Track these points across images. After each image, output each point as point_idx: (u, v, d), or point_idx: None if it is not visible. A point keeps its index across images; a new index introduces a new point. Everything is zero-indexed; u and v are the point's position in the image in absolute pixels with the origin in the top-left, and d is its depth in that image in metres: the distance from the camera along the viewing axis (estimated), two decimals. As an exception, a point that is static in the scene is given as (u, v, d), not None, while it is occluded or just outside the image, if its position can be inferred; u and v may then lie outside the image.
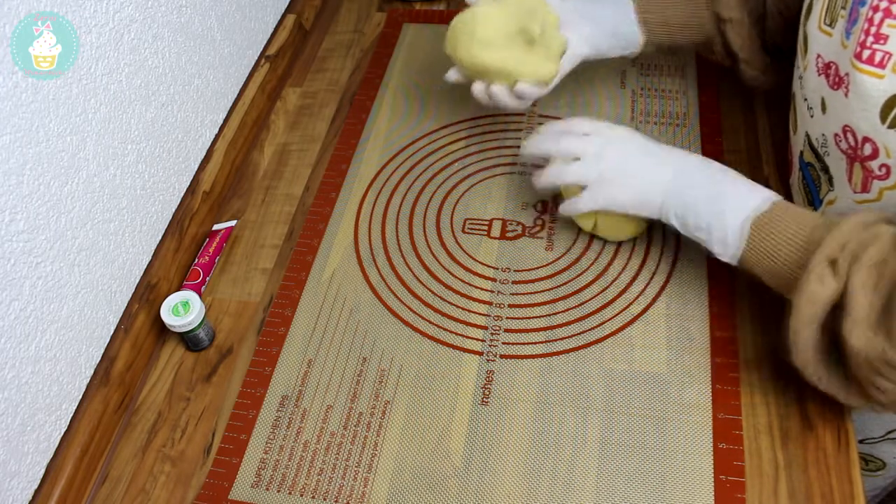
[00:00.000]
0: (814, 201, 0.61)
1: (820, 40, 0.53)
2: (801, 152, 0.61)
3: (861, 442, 0.74)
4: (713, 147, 0.76)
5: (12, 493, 0.54)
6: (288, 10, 0.94)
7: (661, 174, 0.59)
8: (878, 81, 0.47)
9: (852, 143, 0.52)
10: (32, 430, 0.56)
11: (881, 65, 0.46)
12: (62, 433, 0.59)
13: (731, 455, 0.56)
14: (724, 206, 0.55)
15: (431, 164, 0.79)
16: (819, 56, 0.53)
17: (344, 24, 0.97)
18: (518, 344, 0.64)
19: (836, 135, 0.53)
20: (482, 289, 0.68)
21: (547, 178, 0.64)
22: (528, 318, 0.66)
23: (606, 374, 0.61)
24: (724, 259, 0.56)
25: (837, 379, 0.51)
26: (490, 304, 0.67)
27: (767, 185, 0.72)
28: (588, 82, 0.84)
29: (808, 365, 0.51)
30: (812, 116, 0.56)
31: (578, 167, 0.62)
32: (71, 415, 0.60)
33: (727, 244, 0.55)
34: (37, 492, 0.57)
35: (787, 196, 0.70)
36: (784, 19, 0.65)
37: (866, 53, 0.47)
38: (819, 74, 0.54)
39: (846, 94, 0.50)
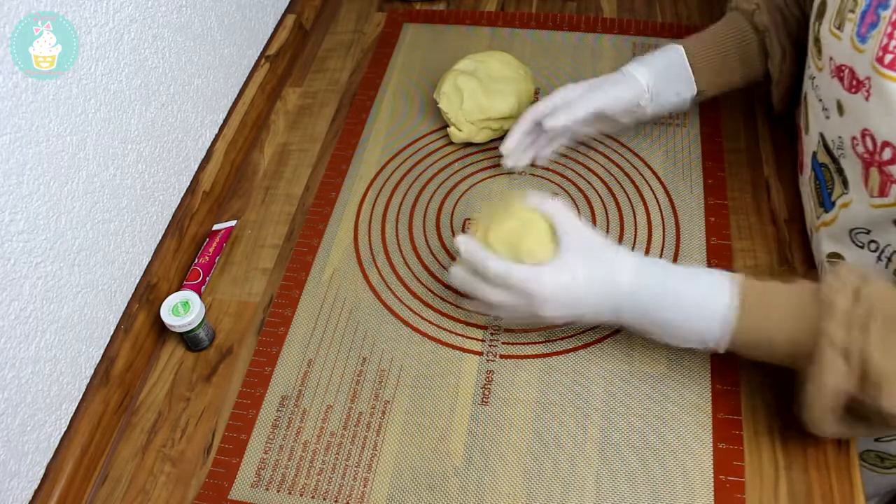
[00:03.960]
0: (824, 202, 0.60)
1: (831, 42, 0.52)
2: (815, 153, 0.60)
3: (877, 440, 0.74)
4: (713, 147, 0.76)
5: (12, 493, 0.54)
6: (288, 10, 0.94)
7: (616, 277, 0.54)
8: None
9: (870, 148, 0.51)
10: (32, 430, 0.56)
11: None
12: (62, 433, 0.59)
13: (731, 455, 0.56)
14: (697, 294, 0.52)
15: (431, 164, 0.79)
16: (831, 58, 0.53)
17: (344, 24, 0.97)
18: (518, 344, 0.64)
19: (853, 138, 0.52)
20: (482, 289, 0.68)
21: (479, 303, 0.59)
22: (528, 318, 0.66)
23: (606, 374, 0.61)
24: (703, 344, 0.53)
25: (861, 428, 0.50)
26: (490, 304, 0.67)
27: (767, 186, 0.73)
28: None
29: (828, 433, 0.51)
30: (828, 118, 0.56)
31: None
32: (71, 415, 0.60)
33: (710, 330, 0.52)
34: (37, 492, 0.57)
35: (796, 195, 0.70)
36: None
37: (889, 58, 0.46)
38: (832, 77, 0.53)
39: (867, 98, 0.49)
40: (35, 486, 0.57)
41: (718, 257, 0.67)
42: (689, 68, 0.68)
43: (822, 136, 0.58)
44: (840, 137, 0.54)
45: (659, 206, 0.72)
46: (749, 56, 0.68)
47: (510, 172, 0.76)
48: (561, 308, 0.55)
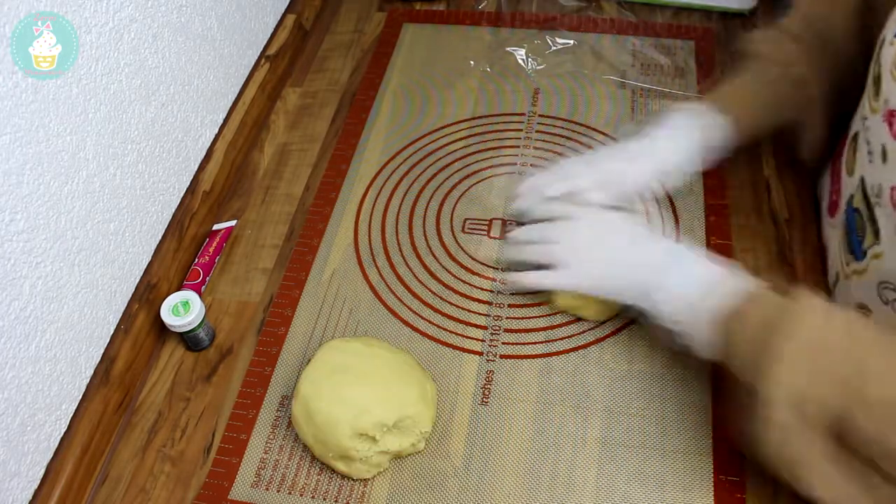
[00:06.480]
0: (855, 250, 0.57)
1: (890, 87, 0.50)
2: (852, 196, 0.57)
3: None
4: (713, 147, 0.76)
5: (12, 493, 0.54)
6: (288, 10, 0.94)
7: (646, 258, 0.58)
8: None
9: None
10: (32, 430, 0.56)
11: None
12: (62, 433, 0.59)
13: (731, 455, 0.56)
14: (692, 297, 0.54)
15: (431, 164, 0.79)
16: (887, 101, 0.50)
17: (344, 24, 0.97)
18: (518, 344, 0.64)
19: (892, 188, 0.49)
20: (482, 289, 0.68)
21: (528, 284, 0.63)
22: (528, 318, 0.66)
23: (606, 374, 0.61)
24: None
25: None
26: (490, 304, 0.67)
27: (767, 186, 0.73)
28: (588, 82, 0.84)
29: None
30: (871, 162, 0.53)
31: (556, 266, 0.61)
32: (71, 415, 0.60)
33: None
34: (37, 492, 0.57)
35: (796, 195, 0.69)
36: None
37: None
38: (884, 121, 0.50)
39: None
40: (35, 486, 0.57)
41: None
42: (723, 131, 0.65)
43: (862, 179, 0.55)
44: (879, 184, 0.51)
45: (658, 205, 0.72)
46: (781, 106, 0.66)
47: (510, 172, 0.76)
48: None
